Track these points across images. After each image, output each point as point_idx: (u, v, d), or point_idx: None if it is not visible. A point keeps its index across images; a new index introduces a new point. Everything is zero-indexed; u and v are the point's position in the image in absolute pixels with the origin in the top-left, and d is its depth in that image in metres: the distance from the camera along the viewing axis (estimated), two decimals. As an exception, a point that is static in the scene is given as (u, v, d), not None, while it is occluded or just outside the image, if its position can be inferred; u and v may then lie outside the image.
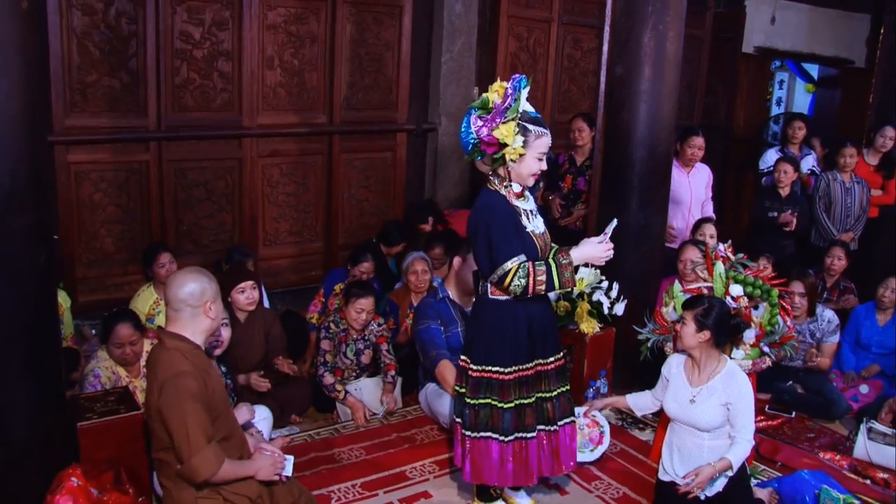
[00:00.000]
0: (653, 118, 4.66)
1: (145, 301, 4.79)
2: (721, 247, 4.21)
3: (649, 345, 4.12)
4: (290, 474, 3.06)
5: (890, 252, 6.63)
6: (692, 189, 5.91)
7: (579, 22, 7.42)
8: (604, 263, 3.35)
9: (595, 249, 3.26)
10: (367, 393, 4.65)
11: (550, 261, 3.18)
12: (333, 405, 4.63)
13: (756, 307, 4.09)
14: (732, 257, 4.13)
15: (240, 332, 4.32)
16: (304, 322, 5.40)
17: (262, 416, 3.94)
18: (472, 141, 3.18)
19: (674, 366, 3.62)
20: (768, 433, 4.62)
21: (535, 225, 3.28)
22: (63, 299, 4.48)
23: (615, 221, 3.34)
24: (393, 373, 4.73)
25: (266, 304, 5.41)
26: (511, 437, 3.30)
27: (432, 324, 4.31)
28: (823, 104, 11.12)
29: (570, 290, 3.47)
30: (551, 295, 3.58)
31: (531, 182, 3.26)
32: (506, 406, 3.28)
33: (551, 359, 3.40)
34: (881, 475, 4.24)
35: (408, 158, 6.74)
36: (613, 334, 4.64)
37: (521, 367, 3.29)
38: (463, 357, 3.39)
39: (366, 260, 5.30)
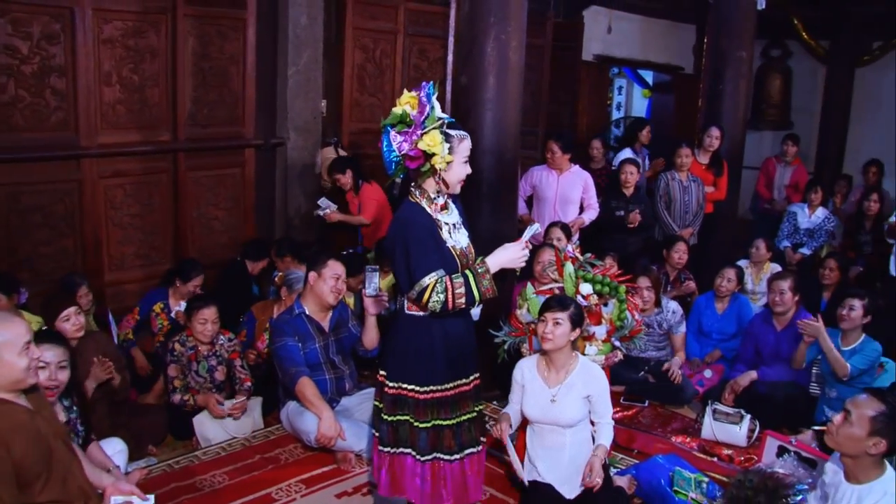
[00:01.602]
0: (498, 126, 4.76)
1: None
2: (569, 248, 4.36)
3: (506, 347, 4.20)
4: None
5: (725, 244, 7.09)
6: (559, 189, 6.12)
7: (425, 33, 7.50)
8: (521, 267, 3.21)
9: (509, 253, 3.12)
10: (230, 421, 4.51)
11: (468, 271, 3.05)
12: (191, 432, 4.47)
13: (605, 304, 4.25)
14: (581, 257, 4.27)
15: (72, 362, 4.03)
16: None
17: (116, 450, 3.73)
18: (395, 159, 3.03)
19: (526, 370, 3.68)
20: (624, 423, 4.81)
21: (457, 239, 3.16)
22: None
23: (536, 226, 3.26)
24: (249, 384, 4.65)
25: (114, 330, 5.19)
26: (429, 457, 3.19)
27: (289, 340, 4.24)
28: (659, 108, 11.75)
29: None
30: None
31: (459, 189, 3.17)
32: (422, 425, 3.17)
33: (472, 377, 3.31)
34: (726, 452, 4.52)
35: (257, 174, 6.58)
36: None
37: (438, 388, 3.18)
38: (381, 372, 3.27)
39: (199, 274, 5.26)
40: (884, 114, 10.08)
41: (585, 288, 4.12)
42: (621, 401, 5.08)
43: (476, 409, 3.34)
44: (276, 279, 5.54)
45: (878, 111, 10.21)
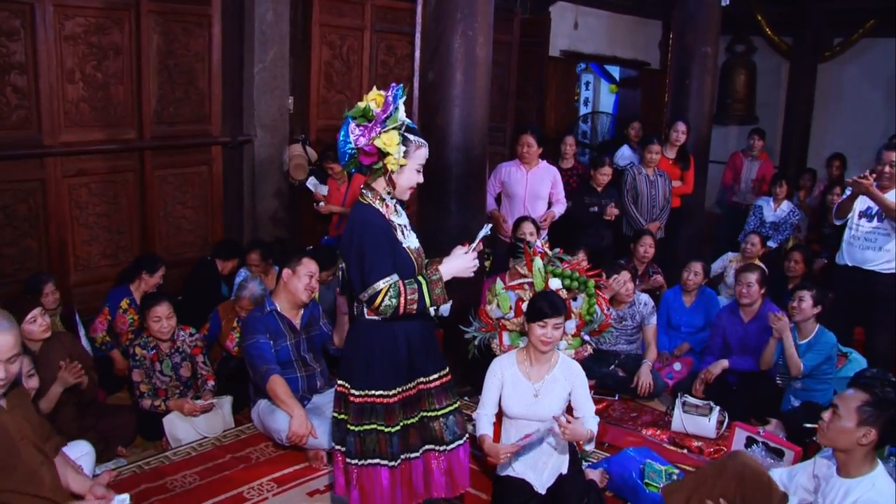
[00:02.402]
0: (466, 122, 4.76)
1: None
2: (538, 243, 4.37)
3: (476, 343, 4.21)
4: None
5: (692, 238, 7.16)
6: (528, 185, 6.09)
7: (392, 29, 7.46)
8: (472, 275, 3.20)
9: (460, 263, 3.12)
10: (201, 420, 4.48)
11: (421, 277, 3.06)
12: (161, 432, 4.42)
13: (575, 298, 4.28)
14: (549, 252, 4.29)
15: (38, 363, 3.92)
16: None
17: (83, 452, 3.67)
18: (349, 151, 3.02)
19: (506, 366, 3.65)
20: (595, 417, 4.85)
21: (410, 241, 3.16)
22: None
23: (486, 230, 3.23)
24: (212, 383, 4.64)
25: (81, 332, 5.12)
26: (399, 461, 3.17)
27: (260, 338, 4.22)
28: (626, 103, 11.84)
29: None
30: None
31: (407, 196, 3.15)
32: (393, 430, 3.14)
33: (434, 376, 3.27)
34: (696, 444, 4.56)
35: (224, 172, 6.52)
36: (441, 335, 4.71)
37: (404, 388, 3.16)
38: (340, 382, 3.22)
39: (163, 264, 5.31)
40: (845, 108, 10.27)
41: (554, 283, 4.14)
42: (592, 395, 5.10)
43: (450, 406, 3.32)
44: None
45: (840, 106, 10.41)
